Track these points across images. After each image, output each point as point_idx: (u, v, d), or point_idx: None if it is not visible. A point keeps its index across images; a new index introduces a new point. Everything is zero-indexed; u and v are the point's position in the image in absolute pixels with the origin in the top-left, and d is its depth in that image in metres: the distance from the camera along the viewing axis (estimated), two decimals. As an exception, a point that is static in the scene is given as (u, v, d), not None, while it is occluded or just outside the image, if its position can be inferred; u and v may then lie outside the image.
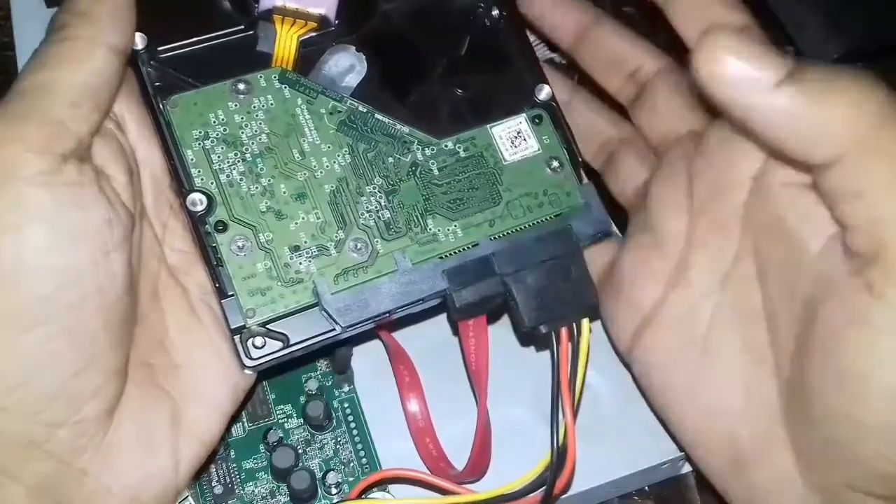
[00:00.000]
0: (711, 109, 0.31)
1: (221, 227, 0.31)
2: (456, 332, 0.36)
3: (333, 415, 0.37)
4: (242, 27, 0.34)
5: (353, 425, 0.37)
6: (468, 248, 0.33)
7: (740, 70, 0.26)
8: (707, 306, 0.33)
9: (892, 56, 0.52)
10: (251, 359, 0.31)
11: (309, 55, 0.34)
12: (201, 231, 0.31)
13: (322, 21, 0.34)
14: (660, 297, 0.34)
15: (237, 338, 0.31)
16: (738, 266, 0.32)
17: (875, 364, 0.26)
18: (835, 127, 0.26)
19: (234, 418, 0.34)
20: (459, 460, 0.35)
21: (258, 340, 0.31)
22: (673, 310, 0.34)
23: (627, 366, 0.36)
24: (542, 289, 0.32)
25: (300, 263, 0.31)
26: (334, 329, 0.31)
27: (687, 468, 0.40)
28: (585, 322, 0.32)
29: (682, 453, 0.38)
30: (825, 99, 0.26)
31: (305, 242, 0.32)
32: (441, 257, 0.32)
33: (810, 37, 0.51)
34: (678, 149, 0.35)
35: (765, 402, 0.31)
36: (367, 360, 0.38)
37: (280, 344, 0.31)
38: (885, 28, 0.52)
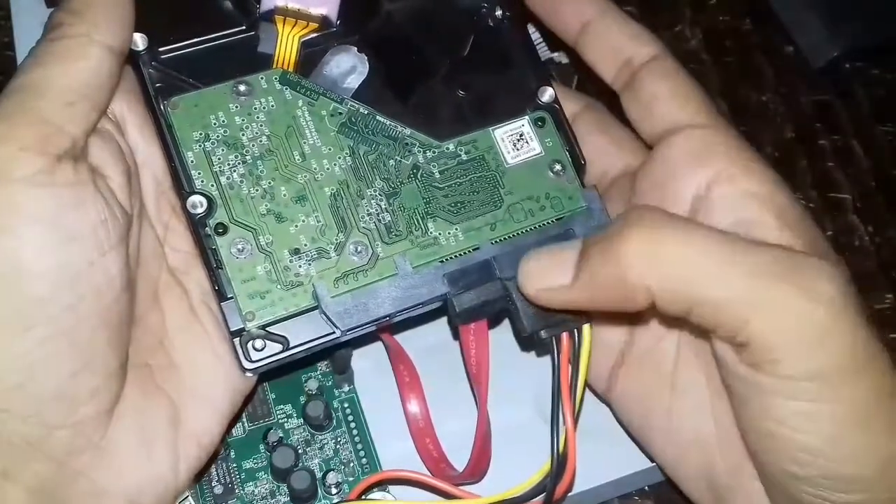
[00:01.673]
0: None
1: (221, 229, 0.31)
2: (457, 335, 0.36)
3: (333, 415, 0.37)
4: (244, 28, 0.34)
5: (353, 425, 0.37)
6: (469, 251, 0.32)
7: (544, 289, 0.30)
8: (671, 343, 0.34)
9: (892, 56, 0.52)
10: (251, 361, 0.31)
11: (310, 56, 0.34)
12: (201, 233, 0.31)
13: (324, 22, 0.34)
14: (627, 338, 0.35)
15: (237, 340, 0.31)
16: None
17: (781, 426, 0.28)
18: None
19: (235, 419, 0.34)
20: (459, 460, 0.35)
21: (258, 343, 0.31)
22: (640, 348, 0.35)
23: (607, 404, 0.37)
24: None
25: (300, 266, 0.31)
26: (334, 332, 0.31)
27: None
28: (586, 328, 0.32)
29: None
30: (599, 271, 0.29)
31: (305, 245, 0.31)
32: (442, 261, 0.32)
33: (810, 37, 0.51)
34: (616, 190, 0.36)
35: (734, 434, 0.32)
36: (367, 360, 0.39)
37: (280, 346, 0.31)
38: (885, 28, 0.51)
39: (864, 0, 0.51)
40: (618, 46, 0.36)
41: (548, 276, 0.30)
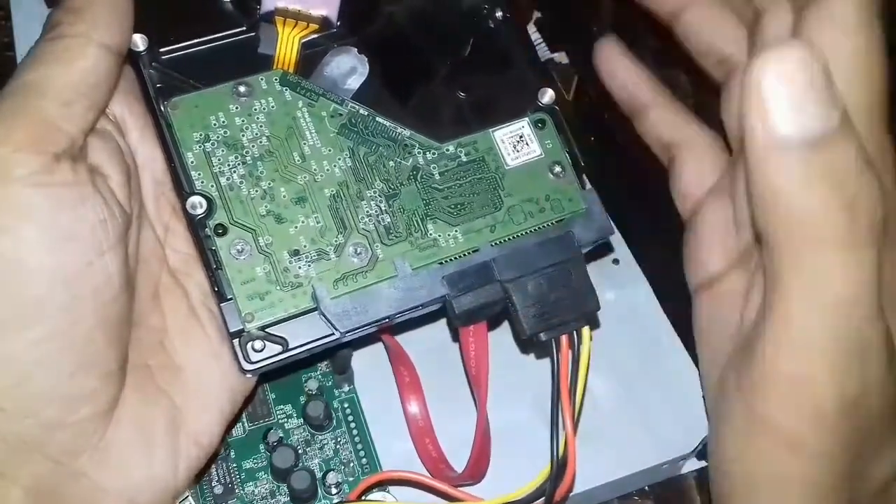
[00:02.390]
0: None
1: (221, 230, 0.31)
2: (456, 336, 0.36)
3: (333, 415, 0.37)
4: (244, 28, 0.34)
5: (353, 425, 0.37)
6: (469, 253, 0.32)
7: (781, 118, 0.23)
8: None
9: (892, 56, 0.52)
10: (250, 362, 0.31)
11: (311, 57, 0.34)
12: (201, 234, 0.31)
13: (324, 22, 0.34)
14: (725, 268, 0.34)
15: (236, 341, 0.31)
16: None
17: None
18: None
19: (235, 419, 0.34)
20: (459, 460, 0.35)
21: (258, 344, 0.31)
22: (732, 285, 0.33)
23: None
24: (543, 296, 0.32)
25: (299, 268, 0.31)
26: (333, 334, 0.31)
27: (687, 468, 0.40)
28: (586, 330, 0.32)
29: (682, 453, 0.38)
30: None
31: (305, 247, 0.32)
32: (441, 263, 0.32)
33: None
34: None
35: None
36: (367, 360, 0.39)
37: (279, 347, 0.31)
38: (885, 28, 0.51)
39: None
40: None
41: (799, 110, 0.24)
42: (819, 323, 0.26)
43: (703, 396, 0.35)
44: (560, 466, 0.31)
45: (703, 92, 0.50)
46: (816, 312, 0.26)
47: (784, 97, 0.23)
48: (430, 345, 0.39)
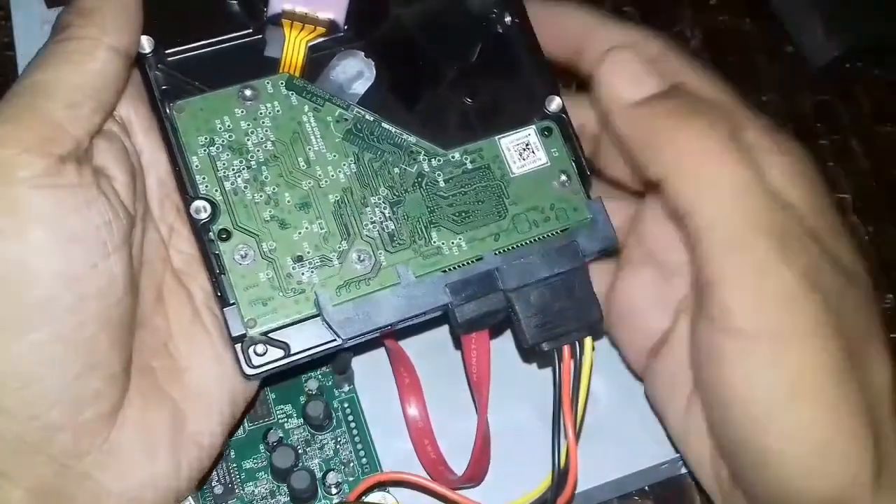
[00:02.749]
0: None
1: (225, 235, 0.31)
2: (458, 343, 0.36)
3: (333, 415, 0.37)
4: (250, 31, 0.33)
5: (353, 425, 0.38)
6: (472, 261, 0.32)
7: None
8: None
9: (892, 56, 0.52)
10: (252, 367, 0.31)
11: (317, 60, 0.34)
12: (204, 239, 0.31)
13: (331, 26, 0.33)
14: (670, 325, 0.35)
15: (238, 346, 0.31)
16: None
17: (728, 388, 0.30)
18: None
19: (238, 422, 0.34)
20: (459, 461, 0.36)
21: (259, 348, 0.31)
22: (681, 336, 0.34)
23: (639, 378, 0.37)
24: (546, 305, 0.32)
25: (302, 274, 0.31)
26: (335, 340, 0.31)
27: (687, 468, 0.41)
28: (588, 340, 0.32)
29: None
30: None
31: (308, 252, 0.31)
32: (444, 271, 0.32)
33: (810, 37, 0.51)
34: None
35: None
36: (367, 360, 0.39)
37: (281, 352, 0.31)
38: (885, 28, 0.51)
39: (864, 0, 0.51)
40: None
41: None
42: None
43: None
44: (561, 476, 0.31)
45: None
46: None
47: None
48: (430, 346, 0.39)
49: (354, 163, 0.32)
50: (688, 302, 0.34)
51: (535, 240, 0.33)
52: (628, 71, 0.33)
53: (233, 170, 0.32)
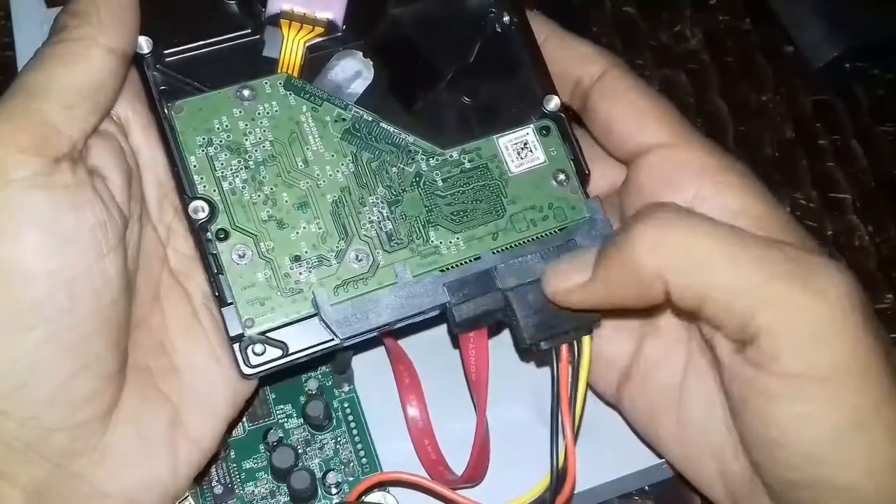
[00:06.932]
0: None
1: (223, 235, 0.31)
2: (456, 342, 0.36)
3: (333, 415, 0.37)
4: (249, 31, 0.33)
5: (353, 425, 0.37)
6: (470, 261, 0.32)
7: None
8: (680, 352, 0.34)
9: (892, 56, 0.52)
10: (250, 366, 0.31)
11: (316, 60, 0.34)
12: (202, 239, 0.31)
13: (329, 26, 0.33)
14: (635, 350, 0.35)
15: (236, 346, 0.31)
16: None
17: (781, 430, 0.28)
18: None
19: (235, 421, 0.34)
20: (459, 460, 0.35)
21: (258, 348, 0.31)
22: (647, 362, 0.35)
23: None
24: (544, 304, 0.32)
25: (300, 274, 0.31)
26: (333, 340, 0.31)
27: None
28: (587, 339, 0.32)
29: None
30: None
31: (306, 252, 0.32)
32: (442, 270, 0.32)
33: (810, 36, 0.51)
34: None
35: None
36: (367, 360, 0.39)
37: (279, 352, 0.31)
38: (885, 28, 0.51)
39: (864, 0, 0.51)
40: (565, 69, 0.35)
41: (568, 275, 0.31)
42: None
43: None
44: (560, 476, 0.31)
45: (703, 91, 0.51)
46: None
47: None
48: (430, 346, 0.39)
49: (352, 162, 0.33)
50: (654, 327, 0.34)
51: (533, 239, 0.33)
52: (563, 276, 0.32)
53: (231, 170, 0.32)
